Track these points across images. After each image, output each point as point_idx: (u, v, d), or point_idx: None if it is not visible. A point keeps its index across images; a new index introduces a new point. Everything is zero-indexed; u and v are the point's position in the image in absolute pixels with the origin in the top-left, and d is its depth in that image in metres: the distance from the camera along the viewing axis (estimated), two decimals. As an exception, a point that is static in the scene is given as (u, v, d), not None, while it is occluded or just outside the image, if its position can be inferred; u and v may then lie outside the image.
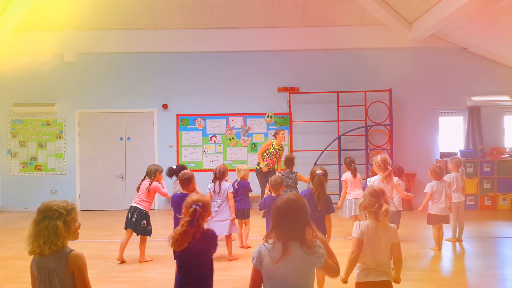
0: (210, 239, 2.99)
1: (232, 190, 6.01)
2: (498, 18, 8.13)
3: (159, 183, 5.97)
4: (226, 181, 6.12)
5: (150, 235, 5.94)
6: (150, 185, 5.88)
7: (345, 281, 3.15)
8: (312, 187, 4.49)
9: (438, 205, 6.12)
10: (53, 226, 2.46)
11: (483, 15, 8.11)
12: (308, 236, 2.40)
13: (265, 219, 6.26)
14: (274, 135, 8.86)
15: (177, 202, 4.77)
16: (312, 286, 2.45)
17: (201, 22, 9.84)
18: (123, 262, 5.77)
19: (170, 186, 6.86)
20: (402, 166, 6.91)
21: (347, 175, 6.93)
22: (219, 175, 5.95)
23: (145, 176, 6.03)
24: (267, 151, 8.63)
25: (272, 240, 2.43)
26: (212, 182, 6.03)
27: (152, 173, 5.94)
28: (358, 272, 3.11)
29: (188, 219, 2.92)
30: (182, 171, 5.13)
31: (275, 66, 10.13)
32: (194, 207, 2.93)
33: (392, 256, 3.19)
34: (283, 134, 8.65)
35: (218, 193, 5.90)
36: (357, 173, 6.97)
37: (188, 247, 2.91)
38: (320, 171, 4.43)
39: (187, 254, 2.94)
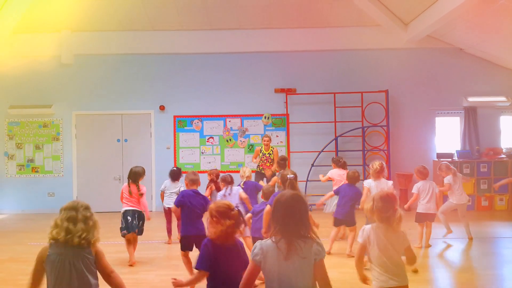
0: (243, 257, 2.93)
1: (242, 191, 6.07)
2: (494, 19, 8.16)
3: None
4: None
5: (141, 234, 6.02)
6: (141, 189, 5.93)
7: (364, 280, 3.16)
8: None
9: (423, 204, 6.33)
10: (94, 221, 2.80)
11: (479, 16, 8.14)
12: (311, 232, 2.40)
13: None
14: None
15: (189, 197, 4.90)
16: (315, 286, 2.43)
17: (197, 23, 9.83)
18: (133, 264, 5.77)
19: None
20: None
21: (332, 171, 7.24)
22: (231, 180, 6.02)
23: (129, 179, 6.00)
24: (259, 156, 8.86)
25: (275, 237, 2.39)
26: (223, 188, 6.01)
27: (137, 177, 5.97)
28: (375, 279, 3.04)
29: (232, 222, 2.87)
30: (191, 171, 5.28)
31: (272, 67, 10.13)
32: (236, 209, 2.94)
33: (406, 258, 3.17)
34: (265, 140, 8.79)
35: (229, 194, 5.91)
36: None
37: (220, 260, 2.86)
38: (291, 175, 4.53)
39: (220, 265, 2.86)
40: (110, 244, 6.84)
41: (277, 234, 2.38)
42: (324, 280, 2.41)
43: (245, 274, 2.44)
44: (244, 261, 2.87)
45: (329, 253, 5.74)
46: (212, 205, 2.99)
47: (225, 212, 2.89)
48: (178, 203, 4.96)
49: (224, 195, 5.92)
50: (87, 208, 2.81)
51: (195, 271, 2.93)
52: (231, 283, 2.77)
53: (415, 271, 5.16)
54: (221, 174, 6.34)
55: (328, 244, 5.90)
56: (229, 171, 9.55)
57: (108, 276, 2.81)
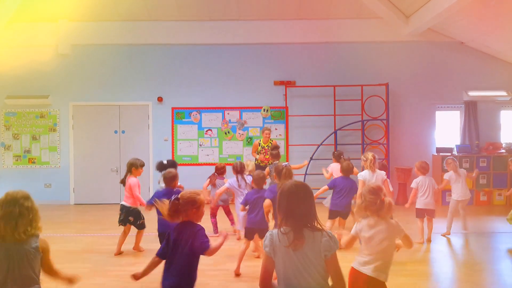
0: (194, 232, 3.04)
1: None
2: (496, 13, 8.10)
3: (136, 177, 5.85)
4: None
5: (143, 228, 5.96)
6: (125, 178, 5.85)
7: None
8: (277, 182, 4.56)
9: (422, 199, 6.40)
10: (35, 212, 2.71)
11: (480, 10, 8.08)
12: (318, 223, 2.37)
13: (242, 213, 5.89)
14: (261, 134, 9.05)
15: (160, 197, 4.79)
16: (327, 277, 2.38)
17: (196, 14, 9.74)
18: (120, 253, 5.83)
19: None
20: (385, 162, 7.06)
21: (332, 166, 7.12)
22: (240, 169, 6.07)
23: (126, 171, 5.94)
24: (257, 150, 8.81)
25: (284, 228, 2.34)
26: (235, 176, 6.06)
27: (128, 168, 5.87)
28: (357, 259, 3.10)
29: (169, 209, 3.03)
30: (167, 170, 5.11)
31: (271, 60, 10.05)
32: (173, 199, 3.03)
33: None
34: (266, 133, 8.68)
35: (246, 185, 5.96)
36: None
37: (175, 238, 3.07)
38: (286, 163, 4.53)
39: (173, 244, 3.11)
40: (106, 236, 6.80)
41: (285, 224, 2.34)
42: (337, 275, 2.34)
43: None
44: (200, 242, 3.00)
45: None
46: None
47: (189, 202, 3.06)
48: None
49: (239, 186, 5.95)
50: (27, 198, 2.74)
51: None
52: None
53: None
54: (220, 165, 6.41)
55: None
56: (227, 164, 9.51)
57: (55, 273, 2.81)
